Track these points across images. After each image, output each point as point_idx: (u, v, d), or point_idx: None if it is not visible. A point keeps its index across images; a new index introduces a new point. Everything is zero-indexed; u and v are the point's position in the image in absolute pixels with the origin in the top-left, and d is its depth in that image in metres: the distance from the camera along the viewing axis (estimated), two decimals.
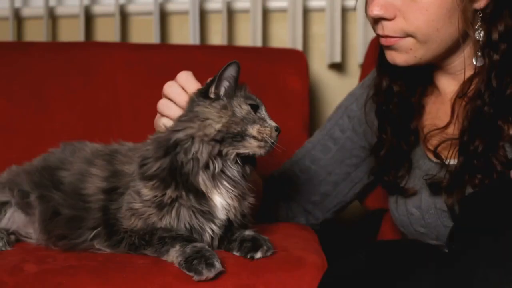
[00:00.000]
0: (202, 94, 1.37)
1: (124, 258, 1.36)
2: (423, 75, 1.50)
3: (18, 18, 2.37)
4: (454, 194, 1.39)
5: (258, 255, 1.34)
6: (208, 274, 1.26)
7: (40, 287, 1.29)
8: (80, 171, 1.45)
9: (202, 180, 1.34)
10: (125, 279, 1.29)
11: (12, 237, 1.51)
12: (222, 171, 1.34)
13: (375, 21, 1.40)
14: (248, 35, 2.31)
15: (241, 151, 1.34)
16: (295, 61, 2.12)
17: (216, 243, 1.38)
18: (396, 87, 1.51)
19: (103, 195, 1.41)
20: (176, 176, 1.33)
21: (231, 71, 1.37)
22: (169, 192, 1.34)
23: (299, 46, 2.26)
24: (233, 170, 1.35)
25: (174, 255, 1.31)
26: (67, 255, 1.39)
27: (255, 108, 1.36)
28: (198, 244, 1.31)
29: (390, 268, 1.28)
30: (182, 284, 1.28)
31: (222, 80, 1.36)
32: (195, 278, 1.26)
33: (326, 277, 1.30)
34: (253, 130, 1.33)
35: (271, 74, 2.08)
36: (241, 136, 1.32)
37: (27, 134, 1.98)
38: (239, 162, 1.35)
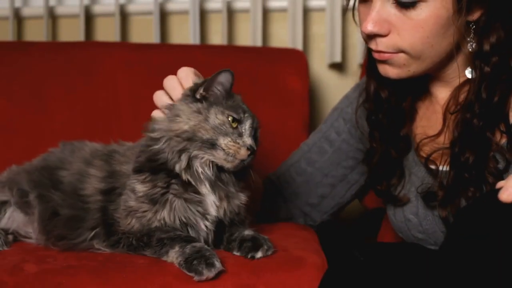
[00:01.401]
0: (192, 92, 1.38)
1: (124, 258, 1.36)
2: (415, 82, 1.49)
3: (18, 18, 2.37)
4: (448, 208, 1.39)
5: (259, 254, 1.34)
6: (208, 274, 1.26)
7: (40, 287, 1.29)
8: (79, 171, 1.46)
9: (179, 168, 1.35)
10: (125, 279, 1.29)
11: (10, 237, 1.51)
12: (196, 170, 1.35)
13: (369, 36, 1.39)
14: (248, 35, 2.31)
15: (211, 158, 1.34)
16: (295, 61, 2.12)
17: (211, 238, 1.38)
18: (384, 94, 1.50)
19: (101, 196, 1.41)
20: (157, 165, 1.36)
21: (222, 78, 1.36)
22: (159, 184, 1.35)
23: (299, 46, 2.26)
24: (206, 173, 1.35)
25: (173, 255, 1.31)
26: (67, 255, 1.40)
27: (237, 121, 1.36)
28: (197, 244, 1.31)
29: (389, 270, 1.28)
30: (182, 284, 1.28)
31: (211, 84, 1.36)
32: (196, 278, 1.26)
33: (326, 278, 1.30)
34: (223, 142, 1.33)
35: (271, 74, 2.08)
36: (211, 144, 1.33)
37: (27, 134, 1.98)
38: (211, 168, 1.35)
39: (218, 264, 1.27)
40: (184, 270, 1.28)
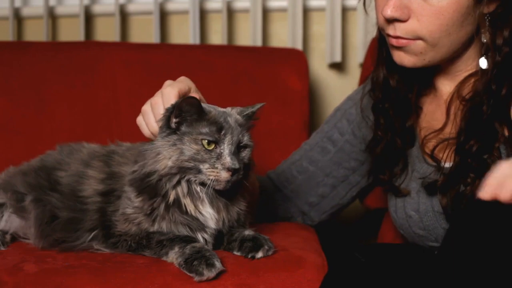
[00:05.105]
0: (166, 121, 1.34)
1: (124, 258, 1.36)
2: (422, 73, 1.50)
3: (18, 18, 2.37)
4: (448, 194, 1.40)
5: (259, 254, 1.34)
6: (209, 274, 1.26)
7: (40, 287, 1.29)
8: (77, 172, 1.45)
9: (179, 195, 1.34)
10: (125, 279, 1.29)
11: (8, 237, 1.50)
12: (195, 189, 1.34)
13: (388, 21, 1.40)
14: (248, 35, 2.31)
15: (202, 181, 1.33)
16: (295, 61, 2.12)
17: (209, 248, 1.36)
18: (393, 82, 1.51)
19: (100, 197, 1.40)
20: (148, 191, 1.34)
21: (189, 102, 1.32)
22: (146, 205, 1.35)
23: (299, 46, 2.26)
24: (203, 191, 1.34)
25: (173, 256, 1.31)
26: (67, 255, 1.39)
27: (213, 142, 1.32)
28: (197, 244, 1.31)
29: (390, 271, 1.28)
30: (182, 284, 1.28)
31: (181, 110, 1.32)
32: (196, 278, 1.26)
33: (327, 280, 1.30)
34: (203, 167, 1.31)
35: (271, 74, 2.08)
36: (197, 170, 1.31)
37: (27, 134, 1.98)
38: (206, 187, 1.33)
39: (218, 264, 1.27)
40: (185, 270, 1.28)
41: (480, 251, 1.11)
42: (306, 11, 2.31)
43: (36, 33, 2.35)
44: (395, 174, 1.51)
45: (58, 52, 2.09)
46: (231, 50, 2.20)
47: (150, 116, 1.39)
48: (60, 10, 2.37)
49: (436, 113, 1.50)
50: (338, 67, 2.34)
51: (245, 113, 1.38)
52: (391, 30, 1.40)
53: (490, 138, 1.38)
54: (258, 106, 1.40)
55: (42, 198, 1.45)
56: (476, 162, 1.37)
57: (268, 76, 2.08)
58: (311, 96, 2.18)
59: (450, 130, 1.44)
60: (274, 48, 2.27)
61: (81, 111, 2.02)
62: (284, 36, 2.32)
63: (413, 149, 1.51)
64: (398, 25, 1.39)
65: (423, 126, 1.50)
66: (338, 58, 2.27)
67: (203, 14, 2.33)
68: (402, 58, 1.42)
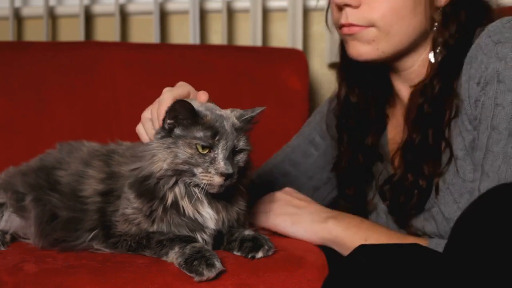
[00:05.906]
0: (163, 123, 1.34)
1: (124, 258, 1.36)
2: (382, 84, 1.49)
3: (18, 18, 2.37)
4: (397, 198, 1.41)
5: (260, 254, 1.34)
6: (209, 274, 1.26)
7: (40, 287, 1.29)
8: (77, 172, 1.45)
9: (176, 196, 1.34)
10: (125, 279, 1.29)
11: (8, 237, 1.50)
12: (193, 191, 1.34)
13: (339, 8, 1.39)
14: (248, 35, 2.31)
15: (196, 184, 1.33)
16: (295, 60, 2.12)
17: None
18: (353, 98, 1.50)
19: (99, 197, 1.40)
20: (146, 193, 1.34)
21: (182, 105, 1.31)
22: (145, 207, 1.35)
23: (299, 46, 2.26)
24: (201, 192, 1.34)
25: (173, 256, 1.31)
26: (67, 255, 1.39)
27: (208, 147, 1.31)
28: (197, 244, 1.31)
29: (391, 272, 1.28)
30: (182, 284, 1.28)
31: (174, 113, 1.31)
32: (196, 279, 1.26)
33: (328, 281, 1.30)
34: (197, 171, 1.31)
35: (271, 74, 2.08)
36: (191, 173, 1.31)
37: (27, 134, 1.98)
38: (201, 189, 1.33)
39: (218, 264, 1.27)
40: (185, 270, 1.28)
41: (482, 252, 1.11)
42: (306, 11, 2.31)
43: (36, 33, 2.35)
44: (363, 189, 1.51)
45: (58, 52, 2.09)
46: (231, 50, 2.20)
47: (149, 124, 1.39)
48: (60, 10, 2.37)
49: (402, 124, 1.50)
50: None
51: (244, 118, 1.37)
52: (343, 18, 1.40)
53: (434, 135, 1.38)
54: (258, 110, 1.39)
55: (42, 198, 1.45)
56: (414, 172, 1.37)
57: (268, 76, 2.08)
58: (311, 96, 2.18)
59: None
60: (274, 48, 2.27)
61: (81, 111, 2.02)
62: (284, 36, 2.32)
63: (383, 164, 1.51)
64: (350, 11, 1.38)
65: (391, 144, 1.50)
66: (338, 58, 2.27)
67: (203, 14, 2.33)
68: (357, 48, 1.41)
